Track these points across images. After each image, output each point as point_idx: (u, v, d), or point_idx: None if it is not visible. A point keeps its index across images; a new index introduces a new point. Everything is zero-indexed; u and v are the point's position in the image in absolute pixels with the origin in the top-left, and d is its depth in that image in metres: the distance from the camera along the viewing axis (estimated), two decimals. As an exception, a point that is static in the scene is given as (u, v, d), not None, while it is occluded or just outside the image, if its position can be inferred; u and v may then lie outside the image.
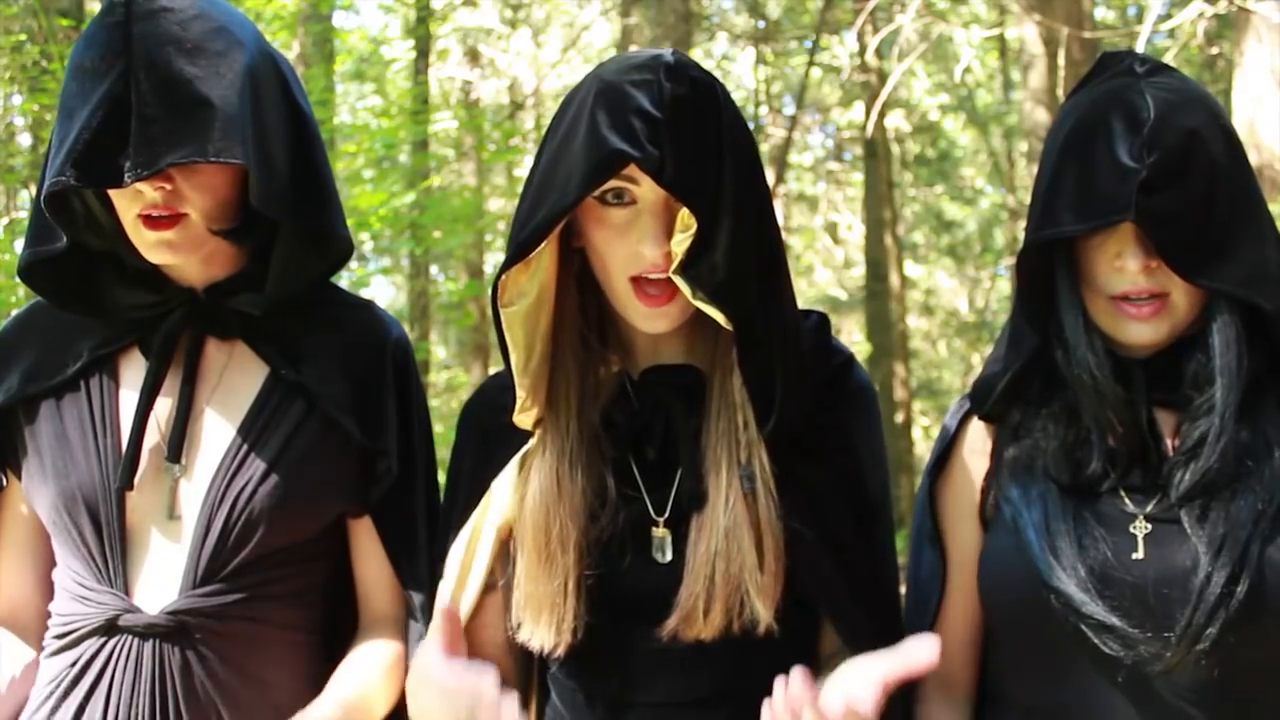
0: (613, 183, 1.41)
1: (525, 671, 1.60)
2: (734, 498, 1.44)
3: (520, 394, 1.49)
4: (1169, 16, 6.78)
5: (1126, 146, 1.49)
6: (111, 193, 1.54)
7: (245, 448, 1.57)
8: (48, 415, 1.62)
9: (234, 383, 1.61)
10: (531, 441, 1.53)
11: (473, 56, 12.65)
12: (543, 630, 1.46)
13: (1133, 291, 1.51)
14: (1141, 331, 1.52)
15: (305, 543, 1.61)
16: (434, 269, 10.40)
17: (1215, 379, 1.49)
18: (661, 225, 1.42)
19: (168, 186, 1.50)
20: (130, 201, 1.52)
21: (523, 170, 13.51)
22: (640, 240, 1.42)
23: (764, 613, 1.43)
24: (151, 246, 1.54)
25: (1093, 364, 1.52)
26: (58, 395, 1.62)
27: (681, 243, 1.38)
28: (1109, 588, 1.46)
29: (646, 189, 1.42)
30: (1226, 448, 1.48)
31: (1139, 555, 1.49)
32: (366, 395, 1.64)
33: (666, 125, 1.38)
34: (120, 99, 1.48)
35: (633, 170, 1.40)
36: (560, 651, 1.46)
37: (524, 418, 1.51)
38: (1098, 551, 1.49)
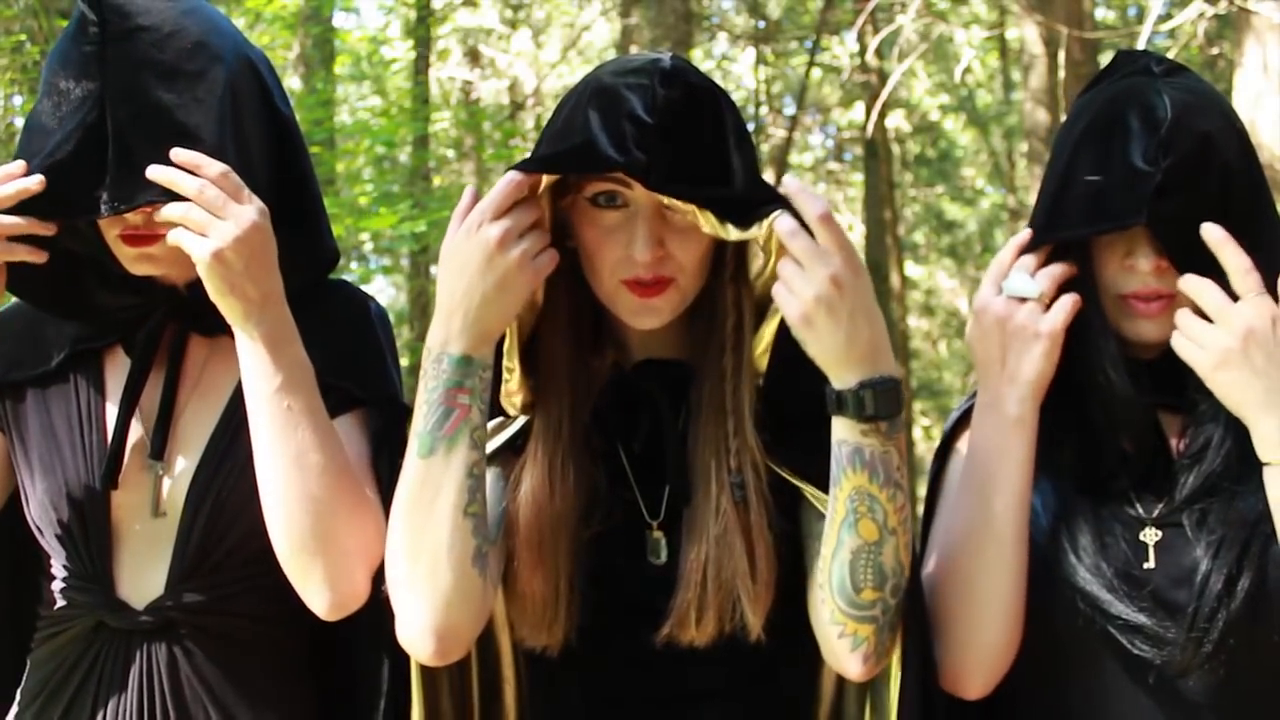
0: (605, 185, 1.42)
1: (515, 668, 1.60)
2: (725, 505, 1.44)
3: (508, 371, 1.48)
4: (1169, 16, 6.78)
5: (1142, 149, 1.49)
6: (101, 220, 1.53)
7: (226, 441, 1.57)
8: (34, 407, 1.61)
9: (215, 377, 1.61)
10: (508, 432, 1.53)
11: (473, 56, 12.66)
12: (536, 630, 1.46)
13: (1141, 291, 1.51)
14: (1148, 329, 1.52)
15: None
16: (434, 269, 10.38)
17: None
18: (653, 229, 1.42)
19: (148, 211, 1.48)
20: (111, 222, 1.51)
21: (523, 170, 13.44)
22: (630, 243, 1.42)
23: (754, 621, 1.42)
24: (133, 261, 1.53)
25: (1108, 364, 1.52)
26: (43, 385, 1.62)
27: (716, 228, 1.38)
28: (1132, 588, 1.47)
29: (639, 193, 1.42)
30: (1231, 452, 1.48)
31: (1150, 563, 1.49)
32: (358, 352, 1.64)
33: (657, 130, 1.38)
34: (95, 127, 1.46)
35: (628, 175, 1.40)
36: (555, 650, 1.46)
37: (512, 401, 1.50)
38: (1119, 551, 1.49)
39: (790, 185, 1.35)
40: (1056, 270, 1.52)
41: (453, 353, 1.38)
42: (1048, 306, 1.50)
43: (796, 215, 1.34)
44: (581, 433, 1.49)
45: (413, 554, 1.39)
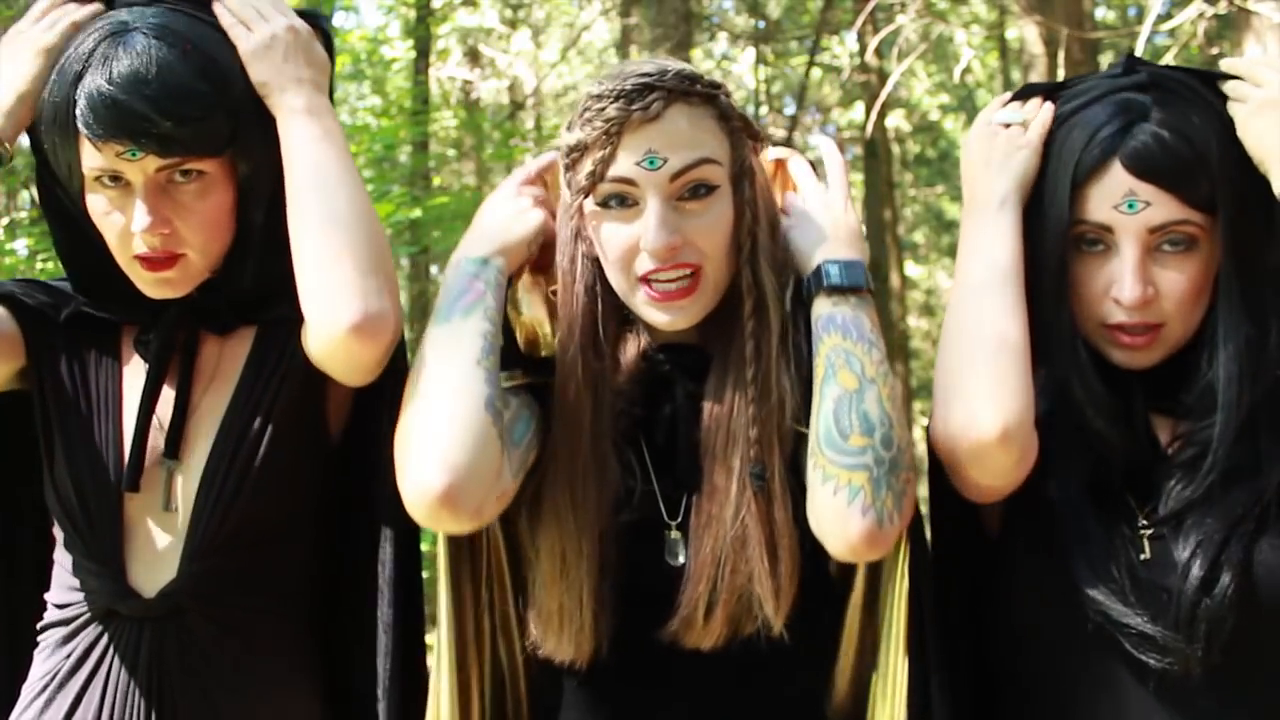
0: (615, 189, 1.44)
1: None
2: (744, 503, 1.43)
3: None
4: (1169, 16, 6.77)
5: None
6: (107, 235, 1.56)
7: (235, 433, 1.59)
8: (67, 371, 1.62)
9: (226, 371, 1.64)
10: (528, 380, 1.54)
11: (473, 56, 12.64)
12: (564, 644, 1.46)
13: (1128, 324, 1.51)
14: (1133, 359, 1.53)
15: (296, 515, 1.62)
16: (434, 269, 10.38)
17: (1215, 411, 1.49)
18: (661, 216, 1.43)
19: (165, 231, 1.52)
20: (123, 243, 1.54)
21: (523, 170, 13.45)
22: (642, 233, 1.44)
23: (776, 618, 1.42)
24: (150, 285, 1.57)
25: (1079, 384, 1.52)
26: (69, 351, 1.63)
27: None
28: (1140, 594, 1.46)
29: (646, 188, 1.42)
30: (1215, 481, 1.48)
31: (1146, 555, 1.49)
32: None
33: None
34: None
35: (633, 172, 1.42)
36: (583, 662, 1.46)
37: (528, 320, 1.55)
38: (1126, 556, 1.48)
39: (824, 142, 1.59)
40: (1033, 107, 1.61)
41: (471, 255, 1.48)
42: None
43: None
44: (605, 435, 1.49)
45: (425, 397, 1.38)
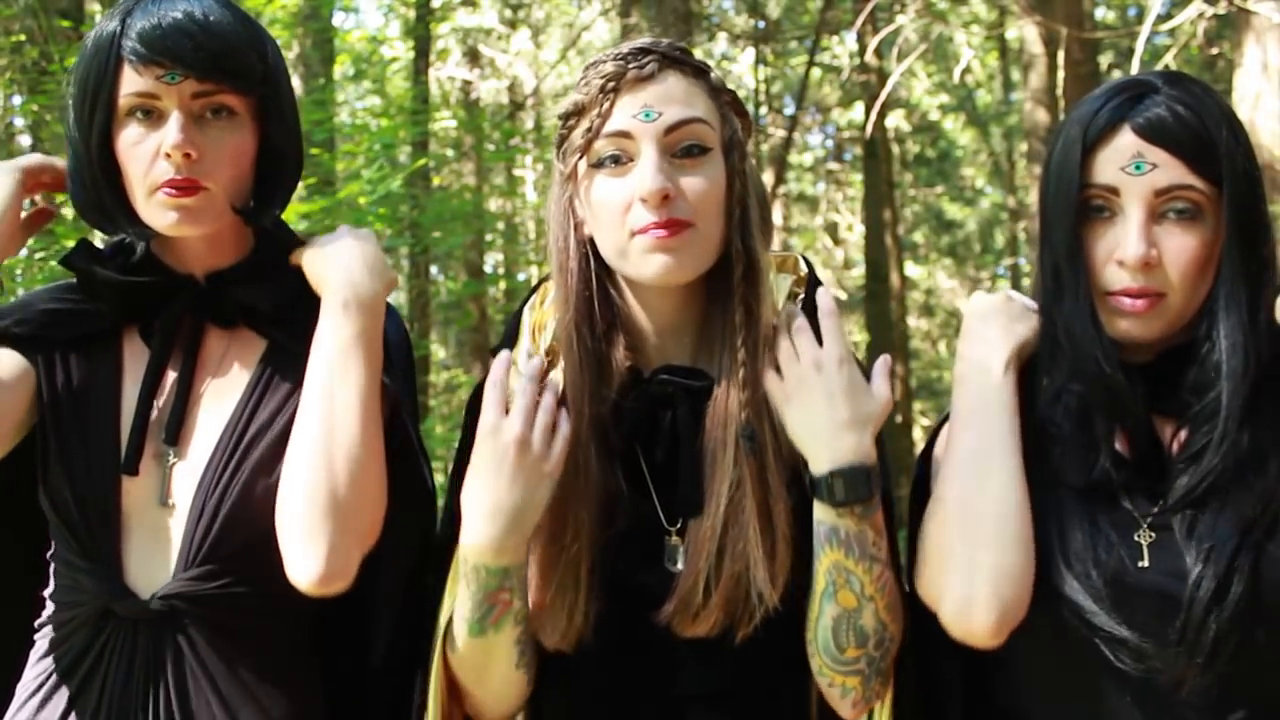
0: (611, 146, 1.46)
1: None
2: (738, 469, 1.44)
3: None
4: (1169, 16, 6.77)
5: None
6: (132, 170, 1.56)
7: (240, 434, 1.58)
8: (63, 380, 1.62)
9: (233, 370, 1.63)
10: None
11: (473, 56, 12.65)
12: (554, 621, 1.46)
13: (1131, 289, 1.50)
14: (1133, 326, 1.51)
15: None
16: (434, 269, 10.39)
17: (1220, 382, 1.48)
18: (656, 162, 1.44)
19: (193, 154, 1.53)
20: (149, 173, 1.54)
21: (522, 170, 13.51)
22: (637, 181, 1.44)
23: (768, 590, 1.43)
24: (171, 212, 1.55)
25: (1100, 355, 1.51)
26: (68, 361, 1.62)
27: None
28: (1123, 597, 1.45)
29: (642, 140, 1.45)
30: (1229, 451, 1.46)
31: (1144, 563, 1.48)
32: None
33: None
34: None
35: (630, 125, 1.44)
36: (571, 645, 1.47)
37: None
38: (1113, 556, 1.47)
39: (823, 299, 1.49)
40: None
41: (490, 565, 1.43)
42: None
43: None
44: (597, 430, 1.49)
45: (477, 689, 1.52)
